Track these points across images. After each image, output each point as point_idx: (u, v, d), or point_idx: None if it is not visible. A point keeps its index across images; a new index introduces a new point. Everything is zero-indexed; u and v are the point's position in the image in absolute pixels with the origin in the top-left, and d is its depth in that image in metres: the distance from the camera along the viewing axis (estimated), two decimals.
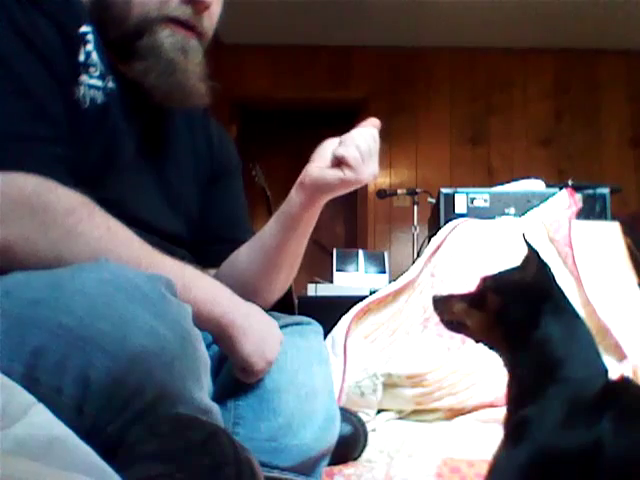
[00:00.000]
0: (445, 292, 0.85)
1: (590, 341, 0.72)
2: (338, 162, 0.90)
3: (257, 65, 4.52)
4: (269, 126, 4.77)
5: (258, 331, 0.84)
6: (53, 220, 0.72)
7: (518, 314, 0.73)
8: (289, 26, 4.24)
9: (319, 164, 0.92)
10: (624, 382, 0.69)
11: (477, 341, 0.80)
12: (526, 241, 0.77)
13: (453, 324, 0.81)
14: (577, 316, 0.74)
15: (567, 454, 0.63)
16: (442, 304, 0.82)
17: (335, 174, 0.90)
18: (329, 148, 0.93)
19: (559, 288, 0.75)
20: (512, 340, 0.73)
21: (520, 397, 0.70)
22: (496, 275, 0.79)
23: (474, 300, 0.78)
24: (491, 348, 0.79)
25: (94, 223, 0.74)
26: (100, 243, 0.73)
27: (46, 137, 0.77)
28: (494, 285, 0.77)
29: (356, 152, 0.89)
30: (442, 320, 0.83)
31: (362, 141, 0.91)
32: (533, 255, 0.75)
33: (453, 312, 0.80)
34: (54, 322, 0.59)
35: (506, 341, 0.74)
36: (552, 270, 0.75)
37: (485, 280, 0.79)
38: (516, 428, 0.68)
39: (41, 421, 0.50)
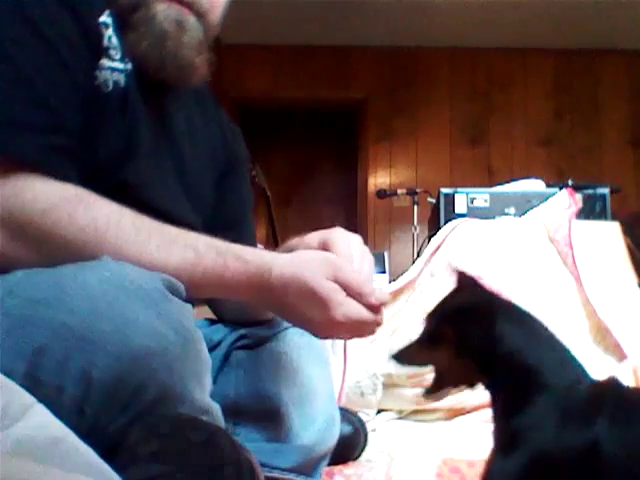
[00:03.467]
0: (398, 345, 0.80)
1: (558, 344, 0.71)
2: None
3: (257, 65, 4.52)
4: (269, 126, 4.77)
5: (311, 282, 0.75)
6: (27, 223, 0.68)
7: (476, 337, 0.69)
8: (289, 26, 4.24)
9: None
10: (612, 382, 0.69)
11: (456, 385, 0.75)
12: (453, 269, 0.74)
13: (434, 388, 0.76)
14: (535, 320, 0.72)
15: (563, 459, 0.63)
16: (404, 357, 0.76)
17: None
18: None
19: (500, 298, 0.72)
20: (480, 364, 0.70)
21: (508, 410, 0.69)
22: (439, 307, 0.74)
23: (432, 339, 0.73)
24: (472, 385, 0.73)
25: (77, 225, 0.69)
26: (88, 247, 0.68)
27: (41, 125, 0.74)
28: (443, 317, 0.72)
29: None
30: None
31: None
32: (465, 277, 0.72)
33: (418, 360, 0.76)
34: (56, 321, 0.59)
35: (475, 367, 0.71)
36: (483, 284, 0.73)
37: (432, 316, 0.74)
38: (510, 437, 0.68)
39: (41, 421, 0.50)
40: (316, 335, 0.81)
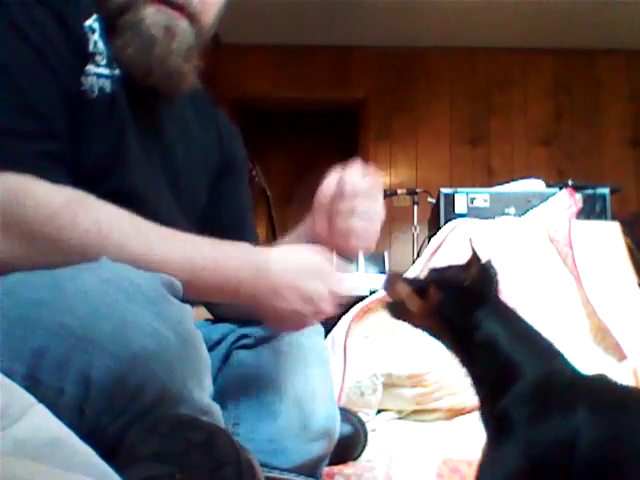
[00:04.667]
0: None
1: (540, 339, 0.73)
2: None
3: (257, 65, 4.52)
4: (269, 126, 4.77)
5: (295, 281, 0.80)
6: (32, 230, 0.68)
7: (455, 313, 0.74)
8: (289, 26, 4.23)
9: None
10: (600, 376, 0.71)
11: (416, 326, 0.80)
12: (472, 247, 0.78)
13: (395, 309, 0.81)
14: (520, 319, 0.75)
15: (546, 447, 0.64)
16: (389, 280, 0.82)
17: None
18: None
19: (495, 295, 0.76)
20: (457, 334, 0.75)
21: (490, 394, 0.72)
22: (441, 269, 0.79)
23: (418, 287, 0.78)
24: (434, 336, 0.79)
25: (81, 228, 0.69)
26: (92, 250, 0.69)
27: (31, 132, 0.73)
28: (437, 278, 0.78)
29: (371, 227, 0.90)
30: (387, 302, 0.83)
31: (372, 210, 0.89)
32: (477, 261, 0.75)
33: (397, 291, 0.80)
34: (55, 322, 0.59)
35: (451, 334, 0.76)
36: (494, 275, 0.76)
37: (430, 271, 0.80)
38: (495, 427, 0.69)
39: (41, 421, 0.50)
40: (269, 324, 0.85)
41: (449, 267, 0.79)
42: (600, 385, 0.69)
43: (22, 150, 0.72)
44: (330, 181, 0.90)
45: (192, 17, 0.86)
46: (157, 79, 0.85)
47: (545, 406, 0.66)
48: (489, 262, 0.76)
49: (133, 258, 0.69)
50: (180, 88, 0.89)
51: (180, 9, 0.85)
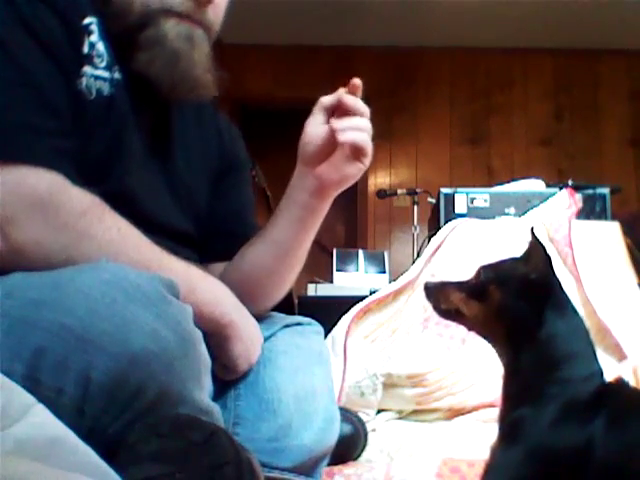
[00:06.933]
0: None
1: (589, 339, 0.72)
2: (354, 149, 0.86)
3: (257, 65, 4.52)
4: (269, 126, 4.77)
5: (250, 334, 0.85)
6: (65, 223, 0.72)
7: (522, 311, 0.71)
8: (289, 26, 4.24)
9: (329, 162, 0.89)
10: (620, 383, 0.70)
11: (470, 329, 0.77)
12: (533, 235, 0.74)
13: (448, 312, 0.78)
14: (576, 313, 0.73)
15: (560, 453, 0.63)
16: (436, 292, 0.79)
17: (358, 169, 0.89)
18: (320, 132, 0.90)
19: (559, 283, 0.73)
20: (515, 337, 0.71)
21: (518, 396, 0.70)
22: (496, 266, 0.76)
23: (473, 290, 0.75)
24: (485, 338, 0.76)
25: (105, 225, 0.74)
26: (111, 246, 0.73)
27: (53, 129, 0.76)
28: (496, 277, 0.74)
29: (368, 138, 0.86)
30: (435, 308, 0.80)
31: (365, 122, 0.87)
32: (540, 250, 0.72)
33: (450, 301, 0.77)
34: (55, 323, 0.59)
35: (508, 337, 0.72)
36: (552, 262, 0.74)
37: (485, 270, 0.76)
38: (511, 427, 0.68)
39: (41, 421, 0.50)
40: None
41: (503, 262, 0.75)
42: (621, 393, 0.68)
43: (42, 146, 0.74)
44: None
45: (207, 28, 0.89)
46: (181, 92, 0.88)
47: (568, 413, 0.65)
48: (546, 248, 0.72)
49: (146, 257, 0.75)
50: (203, 97, 0.92)
51: (198, 22, 0.87)
